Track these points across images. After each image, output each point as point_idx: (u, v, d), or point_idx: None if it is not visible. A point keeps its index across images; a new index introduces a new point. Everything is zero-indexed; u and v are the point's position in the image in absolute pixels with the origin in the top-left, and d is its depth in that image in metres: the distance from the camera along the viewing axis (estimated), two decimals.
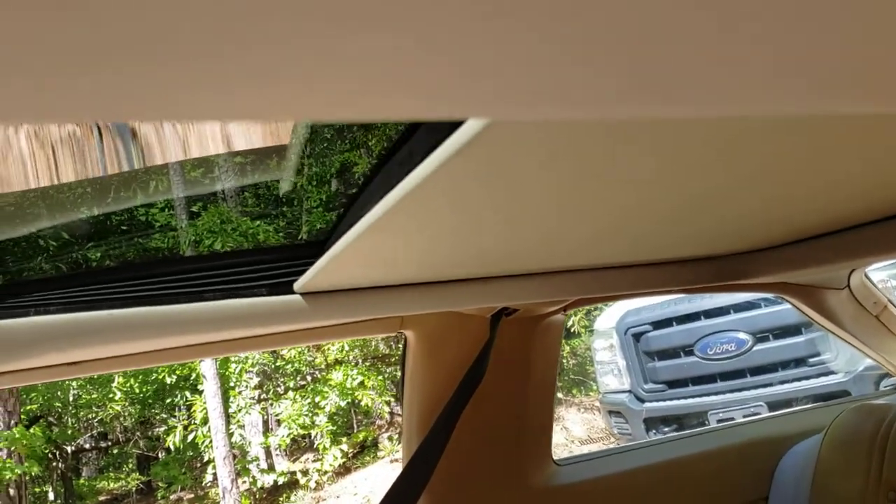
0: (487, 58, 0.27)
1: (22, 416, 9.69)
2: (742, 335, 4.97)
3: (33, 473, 9.21)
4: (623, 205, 0.75)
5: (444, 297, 1.13)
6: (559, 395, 10.98)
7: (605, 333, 5.82)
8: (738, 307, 5.00)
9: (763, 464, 1.96)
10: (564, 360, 12.14)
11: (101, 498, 13.16)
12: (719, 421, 4.89)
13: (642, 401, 5.44)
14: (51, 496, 12.31)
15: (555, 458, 1.85)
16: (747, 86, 0.33)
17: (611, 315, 5.88)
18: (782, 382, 4.82)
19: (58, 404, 11.39)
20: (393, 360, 11.03)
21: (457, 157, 0.48)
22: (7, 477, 8.37)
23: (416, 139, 0.53)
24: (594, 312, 9.45)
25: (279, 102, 0.30)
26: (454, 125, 0.45)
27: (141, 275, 1.02)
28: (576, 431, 10.11)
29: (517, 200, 0.66)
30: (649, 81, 0.32)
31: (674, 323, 5.31)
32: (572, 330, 11.82)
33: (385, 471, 9.52)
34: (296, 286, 0.99)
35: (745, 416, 4.73)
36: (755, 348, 4.92)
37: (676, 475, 1.92)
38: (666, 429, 5.28)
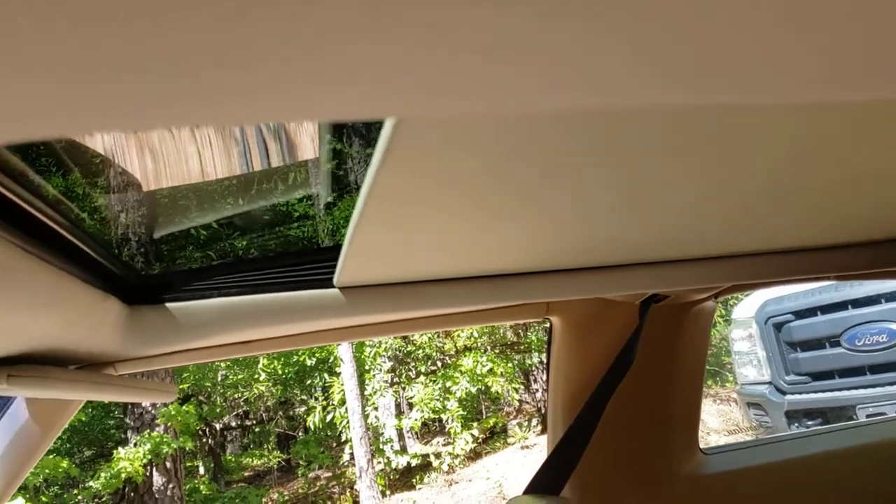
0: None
1: (176, 395, 10.38)
2: (895, 326, 4.69)
3: (187, 448, 9.84)
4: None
5: (592, 283, 1.15)
6: None
7: (744, 323, 5.62)
8: (892, 296, 4.72)
9: None
10: None
11: (246, 473, 13.91)
12: (869, 416, 4.65)
13: (784, 393, 5.23)
14: (201, 470, 13.13)
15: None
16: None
17: (749, 304, 5.67)
18: None
19: (207, 384, 12.10)
20: (521, 347, 11.04)
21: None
22: (164, 451, 9.01)
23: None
24: (731, 301, 9.12)
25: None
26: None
27: (304, 261, 1.10)
28: (711, 423, 9.81)
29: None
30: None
31: (818, 312, 5.07)
32: None
33: (516, 457, 9.57)
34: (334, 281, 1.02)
35: None
36: None
37: (830, 469, 1.86)
38: (810, 422, 5.06)
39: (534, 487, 1.43)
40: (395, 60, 0.31)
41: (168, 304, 1.01)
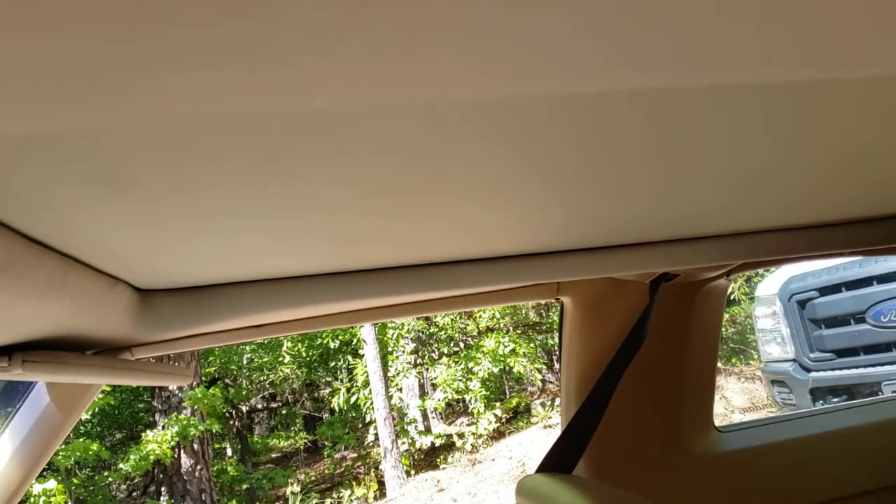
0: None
1: (203, 378, 10.53)
2: None
3: (214, 430, 9.98)
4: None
5: (600, 263, 1.15)
6: (718, 364, 10.61)
7: (768, 300, 5.57)
8: None
9: None
10: (723, 329, 11.72)
11: (273, 455, 14.09)
12: (895, 392, 4.60)
13: (808, 370, 5.18)
14: (228, 452, 13.30)
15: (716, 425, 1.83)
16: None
17: (773, 281, 5.62)
18: None
19: (233, 367, 12.26)
20: (544, 327, 11.05)
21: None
22: (192, 434, 9.16)
23: None
24: (755, 279, 9.04)
25: None
26: None
27: None
28: (736, 401, 9.77)
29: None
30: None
31: (843, 289, 5.00)
32: (732, 297, 11.38)
33: (539, 436, 9.60)
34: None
35: None
36: None
37: (846, 446, 1.84)
38: (835, 399, 5.02)
39: (546, 466, 1.44)
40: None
41: (179, 289, 1.02)
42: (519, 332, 10.75)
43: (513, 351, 9.91)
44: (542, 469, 1.45)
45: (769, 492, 1.77)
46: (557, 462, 1.43)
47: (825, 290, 5.11)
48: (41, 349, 0.89)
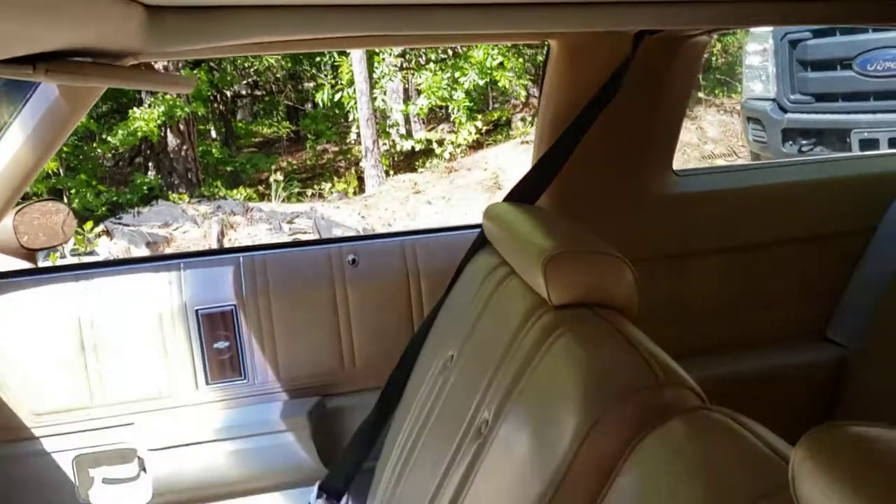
0: None
1: (186, 60, 10.39)
2: None
3: (199, 113, 10.11)
4: None
5: (587, 17, 1.19)
6: (700, 94, 10.67)
7: (761, 37, 5.48)
8: None
9: (881, 196, 2.01)
10: (713, 58, 11.63)
11: (256, 140, 14.36)
12: (862, 141, 4.73)
13: (785, 111, 5.27)
14: (213, 134, 13.53)
15: (676, 167, 1.98)
16: None
17: None
18: None
19: None
20: (535, 43, 10.81)
21: None
22: (178, 114, 9.31)
23: None
24: None
25: None
26: None
27: None
28: (710, 133, 9.97)
29: None
30: None
31: (837, 32, 4.93)
32: None
33: (515, 151, 9.84)
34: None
35: (891, 139, 4.57)
36: None
37: (791, 196, 2.02)
38: (804, 141, 5.16)
39: (513, 196, 1.61)
40: None
41: (188, 7, 1.07)
42: (508, 44, 10.55)
43: (500, 65, 9.81)
44: (509, 198, 1.61)
45: (717, 233, 1.96)
46: (524, 193, 1.59)
47: (819, 33, 5.03)
48: (57, 59, 0.97)
